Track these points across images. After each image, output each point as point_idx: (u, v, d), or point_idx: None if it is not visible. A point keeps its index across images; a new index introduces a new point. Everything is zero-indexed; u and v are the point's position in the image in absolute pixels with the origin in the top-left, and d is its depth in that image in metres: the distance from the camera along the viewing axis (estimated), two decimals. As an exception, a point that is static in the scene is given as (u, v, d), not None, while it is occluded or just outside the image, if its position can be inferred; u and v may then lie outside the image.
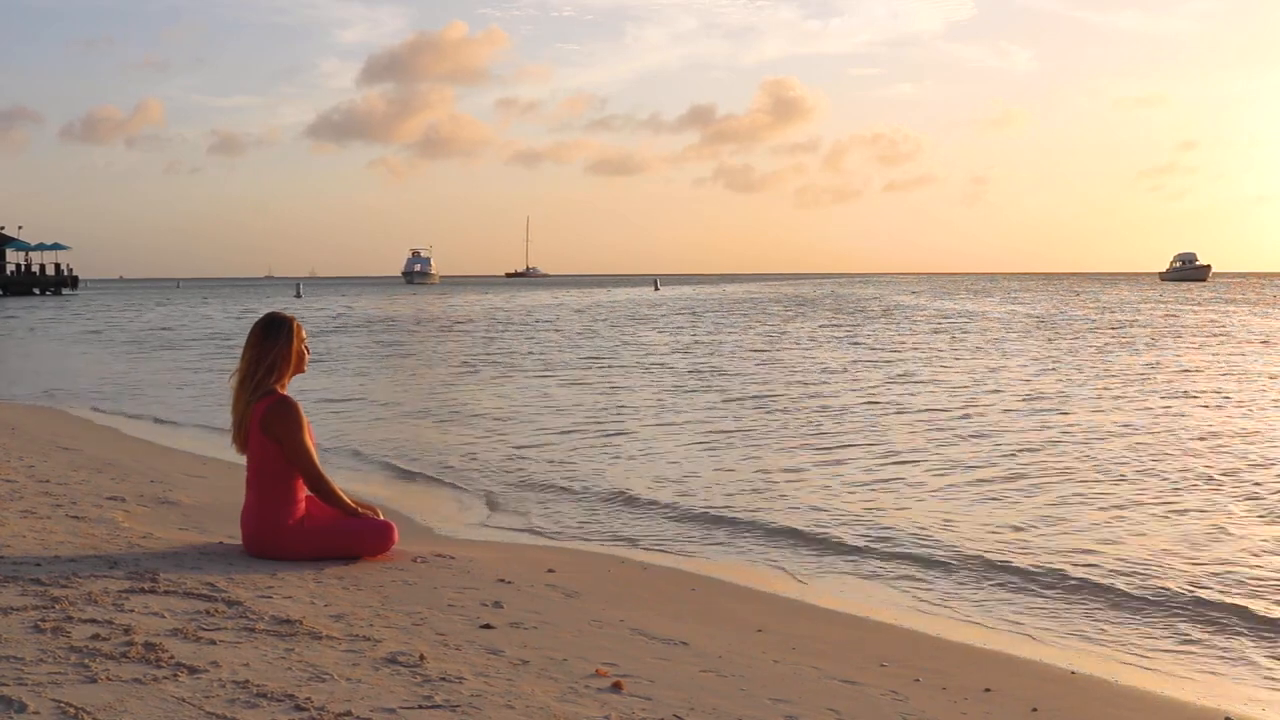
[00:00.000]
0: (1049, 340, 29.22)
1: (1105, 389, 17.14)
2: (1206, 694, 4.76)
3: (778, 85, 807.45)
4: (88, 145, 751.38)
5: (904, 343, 28.87)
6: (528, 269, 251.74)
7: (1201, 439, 11.88)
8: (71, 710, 3.31)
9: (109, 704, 3.39)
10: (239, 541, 5.94)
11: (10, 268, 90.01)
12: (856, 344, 28.48)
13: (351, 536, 5.80)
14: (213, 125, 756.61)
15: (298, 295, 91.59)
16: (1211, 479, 9.55)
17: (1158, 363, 22.09)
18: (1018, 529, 7.78)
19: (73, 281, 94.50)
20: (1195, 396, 16.09)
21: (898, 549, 7.26)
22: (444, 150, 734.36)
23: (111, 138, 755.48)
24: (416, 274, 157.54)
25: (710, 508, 8.53)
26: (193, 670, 3.75)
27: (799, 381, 18.67)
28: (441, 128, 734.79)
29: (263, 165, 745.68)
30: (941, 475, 9.87)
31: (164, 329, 40.28)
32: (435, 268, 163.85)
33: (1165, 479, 9.57)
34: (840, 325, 38.67)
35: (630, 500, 8.86)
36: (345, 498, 5.90)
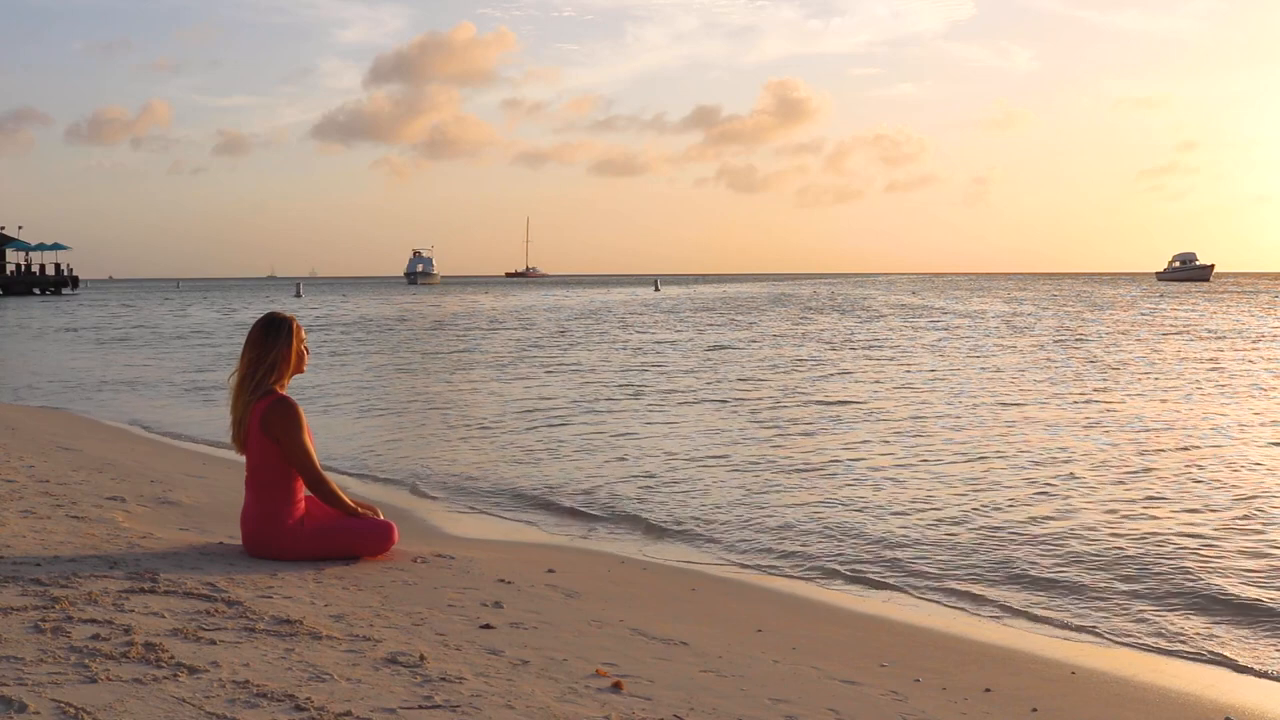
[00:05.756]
0: (1026, 337, 29.25)
1: (1087, 384, 17.16)
2: (1207, 693, 4.76)
3: (781, 86, 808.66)
4: (93, 146, 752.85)
5: (894, 342, 28.89)
6: (528, 269, 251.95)
7: (1186, 435, 11.89)
8: (71, 710, 3.31)
9: (109, 704, 3.39)
10: (239, 541, 5.93)
11: (10, 268, 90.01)
12: (850, 343, 28.49)
13: (351, 536, 5.80)
14: (218, 126, 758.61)
15: (297, 295, 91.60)
16: (1205, 478, 9.55)
17: (1140, 359, 22.11)
18: (1016, 529, 7.78)
19: (73, 282, 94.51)
20: (1166, 393, 16.12)
21: (895, 549, 7.26)
22: (448, 151, 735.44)
23: (117, 138, 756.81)
24: (419, 274, 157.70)
25: (704, 504, 8.54)
26: (193, 670, 3.75)
27: (778, 379, 18.68)
28: (446, 128, 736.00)
29: (266, 165, 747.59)
30: (936, 477, 9.87)
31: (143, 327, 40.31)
32: (437, 268, 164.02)
33: (1158, 479, 9.57)
34: (828, 324, 38.69)
35: (622, 499, 8.86)
36: (345, 497, 5.90)
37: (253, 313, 51.33)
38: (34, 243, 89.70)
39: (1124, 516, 8.14)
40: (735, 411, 14.63)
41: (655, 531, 7.86)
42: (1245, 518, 8.05)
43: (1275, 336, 30.87)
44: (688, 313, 51.78)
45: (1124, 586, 6.36)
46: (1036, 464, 10.38)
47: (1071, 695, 4.58)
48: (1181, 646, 5.42)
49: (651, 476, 9.89)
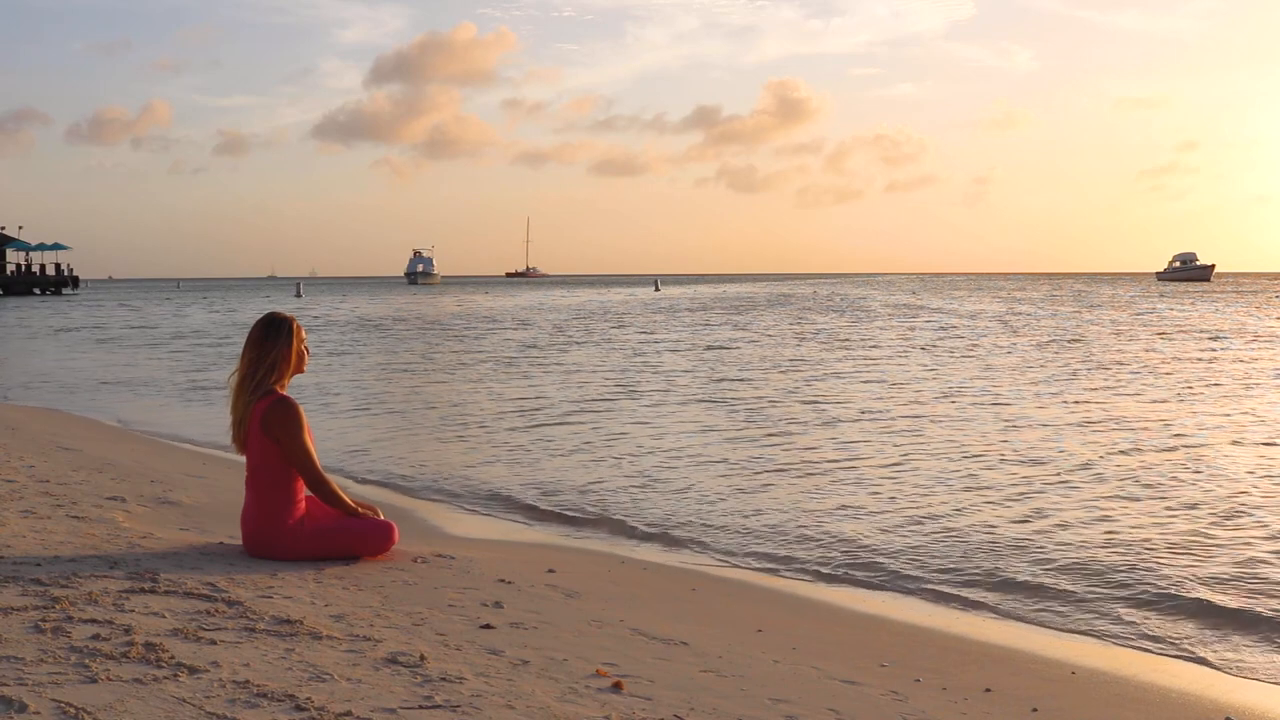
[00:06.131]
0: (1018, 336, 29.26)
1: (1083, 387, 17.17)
2: (1207, 693, 4.76)
3: (781, 86, 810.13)
4: (93, 146, 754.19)
5: (891, 342, 28.89)
6: (528, 269, 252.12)
7: (1183, 436, 11.89)
8: (71, 710, 3.31)
9: (109, 704, 3.39)
10: (239, 541, 5.94)
11: (10, 268, 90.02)
12: (848, 344, 28.50)
13: (352, 536, 5.80)
14: (218, 126, 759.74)
15: (297, 295, 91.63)
16: (1203, 480, 9.55)
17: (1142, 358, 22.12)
18: (1016, 529, 7.78)
19: (73, 281, 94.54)
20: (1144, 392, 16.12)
21: (894, 549, 7.26)
22: (448, 151, 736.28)
23: (117, 138, 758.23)
24: (419, 274, 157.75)
25: (703, 504, 8.54)
26: (193, 670, 3.75)
27: (775, 380, 18.69)
28: (447, 128, 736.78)
29: (267, 165, 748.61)
30: (934, 477, 9.87)
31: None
32: (437, 268, 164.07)
33: (1155, 480, 9.57)
34: (826, 325, 38.70)
35: (622, 499, 8.86)
36: (346, 497, 5.90)
37: (252, 313, 51.34)
38: (34, 243, 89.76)
39: (1122, 517, 8.13)
40: (733, 412, 14.63)
41: (654, 531, 7.85)
42: (1243, 520, 8.05)
43: (1272, 336, 30.86)
44: (686, 313, 51.79)
45: (1123, 587, 6.36)
46: (1034, 465, 10.38)
47: (1071, 695, 4.58)
48: (1181, 647, 5.42)
49: (650, 476, 9.89)
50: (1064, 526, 7.84)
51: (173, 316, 52.50)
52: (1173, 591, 6.25)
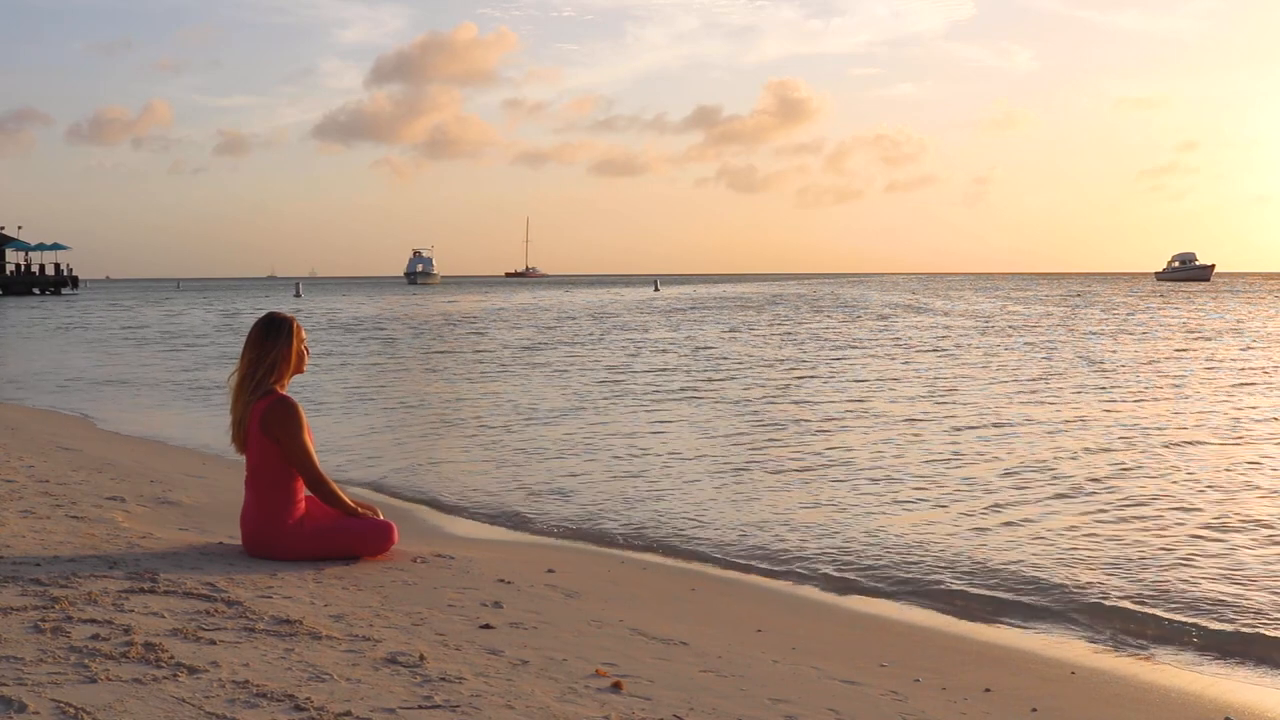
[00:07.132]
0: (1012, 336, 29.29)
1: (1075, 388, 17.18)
2: (1207, 693, 4.76)
3: (781, 86, 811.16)
4: (94, 146, 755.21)
5: (887, 342, 28.91)
6: (527, 269, 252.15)
7: (1177, 435, 11.90)
8: (71, 710, 3.31)
9: (109, 704, 3.38)
10: (239, 541, 5.93)
11: (10, 268, 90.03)
12: (844, 344, 28.51)
13: (351, 536, 5.80)
14: (218, 126, 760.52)
15: (297, 295, 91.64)
16: (1198, 479, 9.55)
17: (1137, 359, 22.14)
18: (1014, 529, 7.79)
19: (73, 281, 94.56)
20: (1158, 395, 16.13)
21: (894, 550, 7.26)
22: (449, 151, 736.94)
23: (118, 138, 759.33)
24: (419, 274, 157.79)
25: (701, 504, 8.55)
26: (193, 670, 3.75)
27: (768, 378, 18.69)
28: (447, 129, 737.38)
29: (266, 165, 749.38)
30: (931, 477, 9.87)
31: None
32: (437, 268, 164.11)
33: (1151, 480, 9.57)
34: (824, 325, 38.71)
35: (619, 498, 8.86)
36: (345, 497, 5.90)
37: (251, 314, 51.34)
38: (34, 243, 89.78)
39: (1120, 517, 8.13)
40: (729, 412, 14.62)
41: (652, 531, 7.85)
42: (1240, 521, 8.05)
43: (1260, 336, 30.86)
44: (684, 313, 51.78)
45: (1123, 586, 6.36)
46: (1030, 464, 10.37)
47: (1071, 695, 4.58)
48: (1182, 647, 5.42)
49: (647, 476, 9.89)
50: (1060, 526, 7.84)
51: (171, 317, 52.48)
52: (1172, 591, 6.25)
